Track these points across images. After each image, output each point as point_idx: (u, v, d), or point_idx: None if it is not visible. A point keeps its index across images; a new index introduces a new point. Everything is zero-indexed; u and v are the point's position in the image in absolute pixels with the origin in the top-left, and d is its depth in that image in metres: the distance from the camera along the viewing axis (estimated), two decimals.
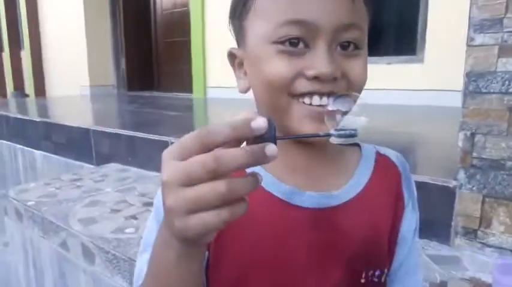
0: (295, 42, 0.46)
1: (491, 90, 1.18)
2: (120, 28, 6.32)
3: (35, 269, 1.53)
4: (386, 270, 0.55)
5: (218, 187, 0.30)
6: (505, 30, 1.15)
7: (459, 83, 3.07)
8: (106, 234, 1.24)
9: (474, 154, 1.22)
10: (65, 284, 1.39)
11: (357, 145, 0.61)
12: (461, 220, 1.24)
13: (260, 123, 0.31)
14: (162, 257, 0.39)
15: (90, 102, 5.01)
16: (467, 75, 1.22)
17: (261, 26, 0.48)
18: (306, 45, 0.47)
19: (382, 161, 0.59)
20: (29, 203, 1.52)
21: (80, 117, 3.46)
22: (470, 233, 1.23)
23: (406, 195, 0.58)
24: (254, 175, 0.32)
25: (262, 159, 0.31)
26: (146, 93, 5.94)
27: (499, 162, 1.18)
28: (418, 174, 1.34)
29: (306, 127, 0.48)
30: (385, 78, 3.41)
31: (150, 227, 0.55)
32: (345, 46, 0.49)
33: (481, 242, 1.21)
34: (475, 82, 1.21)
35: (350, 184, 0.55)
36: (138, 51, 6.34)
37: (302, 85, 0.47)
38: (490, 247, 1.21)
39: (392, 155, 0.60)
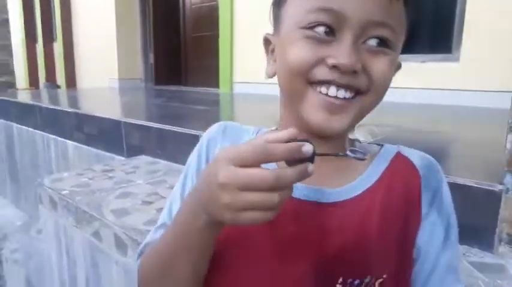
0: (323, 30, 0.47)
1: None
2: (149, 22, 6.38)
3: (68, 257, 1.56)
4: (368, 279, 0.51)
5: (273, 198, 0.37)
6: None
7: (497, 83, 2.98)
8: (139, 226, 1.24)
9: None
10: (97, 273, 1.40)
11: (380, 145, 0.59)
12: (506, 226, 1.18)
13: (308, 149, 0.39)
14: (187, 223, 0.46)
15: (119, 95, 5.08)
16: None
17: (294, 11, 0.50)
18: (333, 35, 0.47)
19: (399, 164, 0.56)
20: (63, 192, 1.54)
21: (110, 109, 3.51)
22: None
23: (425, 203, 0.54)
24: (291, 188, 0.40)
25: (306, 177, 0.39)
26: (173, 88, 5.99)
27: None
28: (454, 176, 1.27)
29: (316, 116, 0.49)
30: (419, 77, 3.31)
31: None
32: (376, 43, 0.49)
33: None
34: None
35: (350, 185, 0.54)
36: (166, 45, 6.40)
37: (321, 72, 0.48)
38: None
39: (416, 157, 0.57)
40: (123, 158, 2.29)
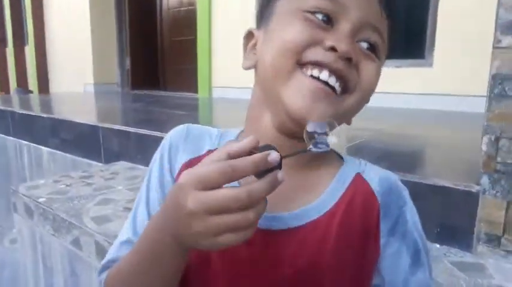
0: (323, 19, 0.48)
1: None
2: (125, 26, 6.30)
3: (45, 267, 1.51)
4: None
5: (248, 216, 0.35)
6: None
7: (470, 87, 3.07)
8: None
9: (498, 159, 1.20)
10: (76, 283, 1.36)
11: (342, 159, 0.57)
12: (484, 226, 1.21)
13: (274, 157, 0.36)
14: (157, 251, 0.43)
15: (95, 100, 4.98)
16: (493, 78, 1.19)
17: None
18: (332, 25, 0.48)
19: (357, 189, 0.53)
20: (40, 199, 1.49)
21: (87, 114, 3.43)
22: (493, 241, 1.21)
23: (384, 232, 0.51)
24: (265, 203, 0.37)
25: (277, 185, 0.37)
26: (150, 92, 5.92)
27: None
28: (433, 177, 1.31)
29: (299, 101, 0.47)
30: (394, 82, 3.40)
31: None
32: (366, 47, 0.49)
33: (505, 250, 1.18)
34: (501, 85, 1.18)
35: (307, 208, 0.51)
36: (143, 49, 6.33)
37: (315, 54, 0.47)
38: None
39: (376, 181, 0.53)
40: (100, 164, 2.24)
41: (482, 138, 1.22)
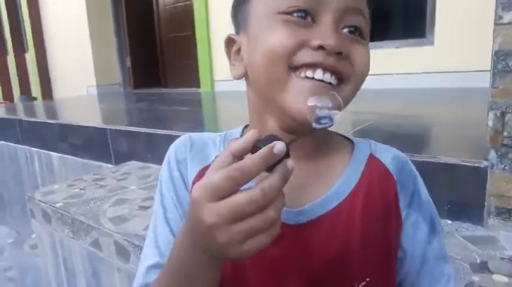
0: (302, 15, 0.46)
1: None
2: (123, 25, 6.30)
3: (66, 270, 1.55)
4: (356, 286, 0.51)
5: (269, 214, 0.35)
6: None
7: (473, 63, 3.05)
8: (139, 231, 1.24)
9: (505, 133, 1.21)
10: (98, 283, 1.40)
11: (351, 142, 0.57)
12: (494, 200, 1.23)
13: (280, 147, 0.35)
14: (193, 271, 0.41)
15: (100, 102, 5.01)
16: (496, 54, 1.20)
17: (268, 0, 0.48)
18: (313, 20, 0.47)
19: (373, 169, 0.54)
20: (57, 204, 1.53)
21: (93, 117, 3.46)
22: (504, 213, 1.22)
23: (403, 206, 0.53)
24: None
25: (290, 175, 0.36)
26: (153, 90, 5.93)
27: None
28: (441, 156, 1.32)
29: (302, 105, 0.45)
30: (395, 63, 3.38)
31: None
32: (351, 31, 0.48)
33: None
34: (504, 61, 1.19)
35: (329, 195, 0.51)
36: (142, 47, 6.33)
37: (305, 55, 0.46)
38: None
39: (388, 159, 0.55)
40: (111, 166, 2.27)
41: (488, 114, 1.23)
